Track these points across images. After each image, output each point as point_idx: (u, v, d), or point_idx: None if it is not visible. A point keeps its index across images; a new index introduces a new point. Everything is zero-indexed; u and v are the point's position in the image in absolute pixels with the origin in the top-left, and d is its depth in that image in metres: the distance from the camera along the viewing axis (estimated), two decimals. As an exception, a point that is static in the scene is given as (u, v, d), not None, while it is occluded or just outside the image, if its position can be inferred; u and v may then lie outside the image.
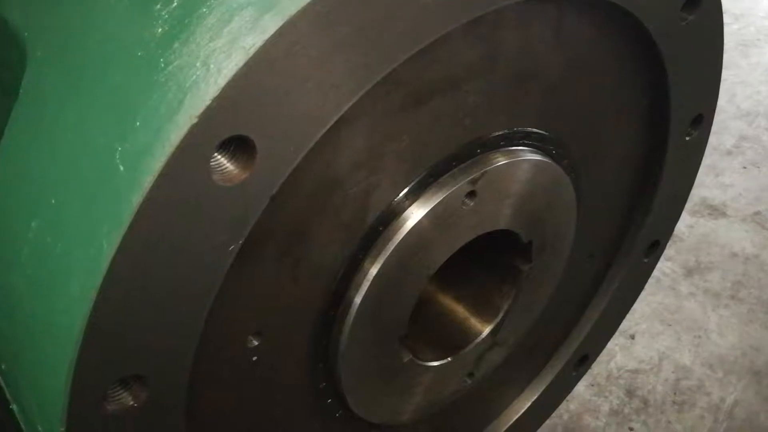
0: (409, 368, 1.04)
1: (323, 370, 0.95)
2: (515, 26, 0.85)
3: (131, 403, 0.74)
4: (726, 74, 3.55)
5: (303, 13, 0.64)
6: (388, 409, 1.06)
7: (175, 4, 0.69)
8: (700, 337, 2.28)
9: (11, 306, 0.74)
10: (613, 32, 0.98)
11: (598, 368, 2.17)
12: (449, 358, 1.10)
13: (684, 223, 2.60)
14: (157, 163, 0.63)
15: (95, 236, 0.66)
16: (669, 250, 2.49)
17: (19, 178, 0.75)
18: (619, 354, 2.24)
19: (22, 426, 0.81)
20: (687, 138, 1.19)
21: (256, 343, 0.85)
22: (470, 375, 1.16)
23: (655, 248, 1.35)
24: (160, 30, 0.68)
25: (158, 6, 0.70)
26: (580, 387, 2.12)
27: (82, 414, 0.70)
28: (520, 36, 0.87)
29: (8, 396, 0.83)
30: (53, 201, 0.71)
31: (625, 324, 2.37)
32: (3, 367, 0.81)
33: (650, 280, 2.40)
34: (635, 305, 2.40)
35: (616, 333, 2.28)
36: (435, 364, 1.08)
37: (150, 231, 0.64)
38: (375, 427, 1.09)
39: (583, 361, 1.42)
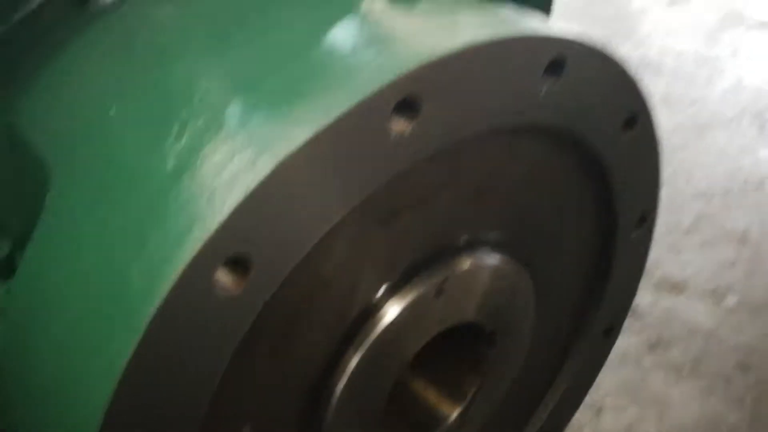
0: (384, 451, 1.14)
1: (306, 453, 1.05)
2: (474, 151, 0.99)
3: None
4: (684, 155, 3.75)
5: (294, 154, 0.76)
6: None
7: (183, 143, 0.82)
8: (663, 410, 2.39)
9: (31, 412, 0.84)
10: (562, 149, 1.12)
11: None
12: (422, 440, 1.20)
13: (646, 300, 2.74)
14: (168, 280, 0.74)
15: (110, 346, 0.76)
16: (633, 326, 2.62)
17: (42, 292, 0.85)
18: (586, 428, 2.33)
19: None
20: (633, 235, 1.33)
21: (247, 431, 0.95)
22: (440, 455, 1.26)
23: (611, 332, 1.47)
24: (171, 165, 0.81)
25: (169, 143, 0.83)
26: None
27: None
28: (478, 158, 1.01)
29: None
30: (75, 310, 0.82)
31: (592, 398, 2.47)
32: None
33: (616, 356, 2.52)
34: (602, 380, 2.52)
35: (584, 407, 2.39)
36: (407, 447, 1.18)
37: (161, 340, 0.75)
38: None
39: (548, 437, 1.52)
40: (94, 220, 0.84)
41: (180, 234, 0.76)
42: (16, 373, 0.88)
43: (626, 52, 4.38)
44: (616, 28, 4.75)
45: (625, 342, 2.56)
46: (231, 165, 0.77)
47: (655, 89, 4.01)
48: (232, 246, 0.76)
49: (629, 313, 1.52)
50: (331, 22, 0.89)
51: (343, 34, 0.87)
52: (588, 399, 2.33)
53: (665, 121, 3.70)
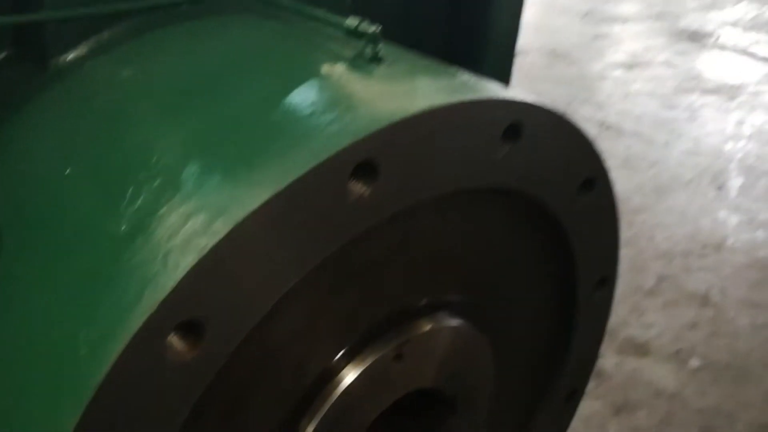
0: None
1: None
2: (431, 214, 0.99)
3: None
4: (644, 217, 3.80)
5: (249, 218, 0.76)
6: None
7: (138, 204, 0.81)
8: (630, 475, 2.37)
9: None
10: (519, 212, 1.13)
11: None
12: None
13: (611, 362, 2.74)
14: (117, 346, 0.72)
15: (56, 414, 0.73)
16: (598, 389, 2.61)
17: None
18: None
19: None
20: (593, 298, 1.33)
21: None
22: None
23: (574, 396, 1.46)
24: (124, 227, 0.80)
25: (123, 205, 0.81)
26: None
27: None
28: (435, 221, 1.01)
29: None
30: (19, 379, 0.79)
31: None
32: None
33: (580, 420, 2.51)
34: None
35: None
36: None
37: (108, 407, 0.73)
38: None
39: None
40: (44, 284, 0.82)
41: (132, 297, 0.74)
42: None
43: (586, 114, 4.50)
44: (577, 91, 4.88)
45: (590, 406, 2.55)
46: (186, 228, 0.76)
47: (615, 151, 4.11)
48: (186, 310, 0.75)
49: (594, 376, 1.51)
50: (290, 86, 0.89)
51: (301, 99, 0.88)
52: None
53: (626, 183, 3.79)
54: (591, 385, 1.54)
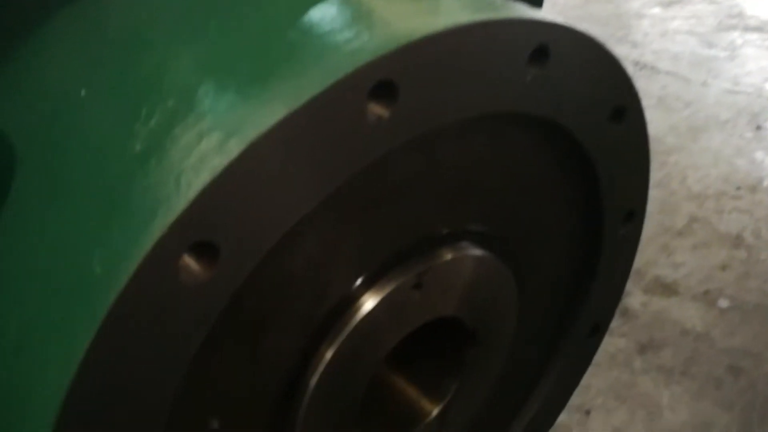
0: (362, 448, 1.11)
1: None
2: (454, 140, 0.96)
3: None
4: (678, 158, 3.72)
5: (263, 138, 0.74)
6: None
7: (152, 125, 0.79)
8: (653, 413, 2.36)
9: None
10: (547, 140, 1.09)
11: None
12: (399, 439, 1.17)
13: (638, 301, 2.71)
14: (130, 265, 0.71)
15: (72, 333, 0.73)
16: (623, 327, 2.59)
17: (4, 281, 0.82)
18: (574, 429, 2.30)
19: None
20: (620, 232, 1.30)
21: (216, 425, 0.92)
22: (421, 454, 1.23)
23: (597, 331, 1.44)
24: (138, 148, 0.78)
25: (137, 126, 0.80)
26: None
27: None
28: (458, 148, 0.98)
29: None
30: (33, 307, 0.79)
31: (581, 399, 2.45)
32: None
33: (605, 357, 2.50)
34: (592, 381, 2.49)
35: (572, 408, 2.37)
36: (386, 443, 1.15)
37: (122, 328, 0.73)
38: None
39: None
40: (58, 204, 0.81)
41: (145, 217, 0.73)
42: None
43: (622, 53, 4.37)
44: (613, 29, 4.73)
45: (616, 343, 2.53)
46: (199, 147, 0.75)
47: (650, 91, 4.00)
48: (199, 230, 0.73)
49: (620, 314, 1.49)
50: (306, 4, 0.86)
51: (318, 17, 0.84)
52: (577, 400, 2.31)
53: (660, 123, 3.70)
54: (617, 323, 1.52)
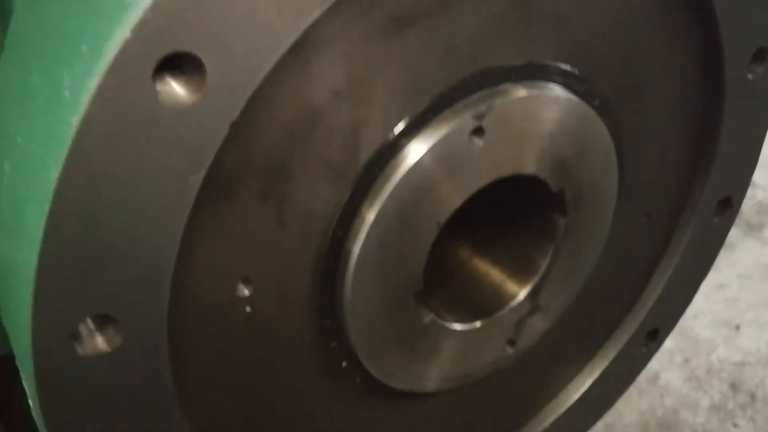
0: (432, 330, 0.97)
1: (331, 328, 0.90)
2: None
3: (105, 348, 0.71)
4: None
5: None
6: (413, 375, 0.99)
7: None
8: (815, 327, 2.06)
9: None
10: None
11: (697, 361, 2.00)
12: (479, 322, 1.02)
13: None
14: (93, 83, 0.61)
15: (46, 165, 0.64)
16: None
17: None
18: (721, 346, 2.05)
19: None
20: (748, 76, 1.06)
21: (247, 292, 0.81)
22: (511, 343, 1.07)
23: (728, 206, 1.21)
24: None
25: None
26: (677, 381, 1.96)
27: (51, 356, 0.69)
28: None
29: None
30: (19, 140, 0.71)
31: (729, 314, 2.17)
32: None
33: (758, 268, 2.19)
34: (741, 294, 2.20)
35: (719, 323, 2.10)
36: (463, 327, 1.00)
37: (95, 155, 0.62)
38: (405, 396, 1.03)
39: (653, 336, 1.29)
40: (37, 39, 0.72)
41: (108, 28, 0.61)
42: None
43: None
44: None
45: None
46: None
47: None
48: (171, 40, 0.61)
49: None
50: None
51: None
52: (724, 314, 2.04)
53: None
54: None
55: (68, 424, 0.72)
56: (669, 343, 2.08)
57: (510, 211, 1.05)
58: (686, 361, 1.99)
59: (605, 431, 1.80)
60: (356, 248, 0.84)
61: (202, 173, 0.68)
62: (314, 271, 0.85)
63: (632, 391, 1.93)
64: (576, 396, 1.26)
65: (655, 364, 2.01)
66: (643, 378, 1.97)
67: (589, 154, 0.98)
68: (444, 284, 1.06)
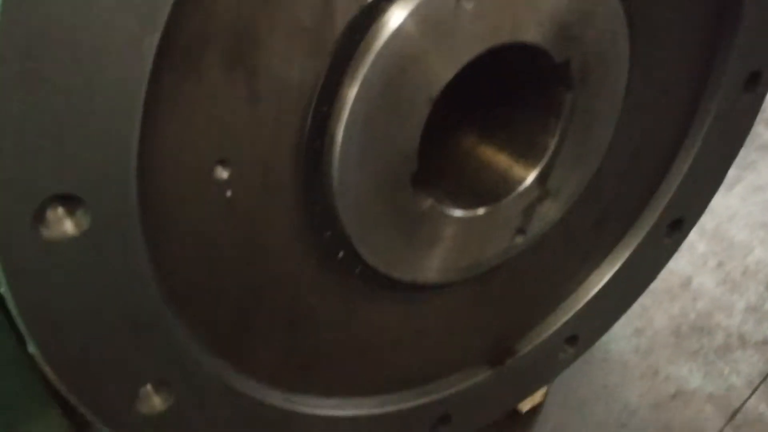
0: (432, 217, 0.92)
1: (323, 216, 0.85)
2: None
3: (73, 232, 0.68)
4: None
5: None
6: (415, 264, 0.95)
7: None
8: None
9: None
10: None
11: (732, 264, 1.92)
12: (483, 209, 0.96)
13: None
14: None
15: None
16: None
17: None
18: (757, 248, 1.96)
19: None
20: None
21: (225, 175, 0.77)
22: (520, 232, 1.02)
23: (756, 81, 1.12)
24: None
25: None
26: (709, 284, 1.89)
27: (16, 238, 0.66)
28: None
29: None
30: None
31: (766, 216, 2.07)
32: None
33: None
34: (779, 192, 2.10)
35: (755, 225, 2.01)
36: (466, 214, 0.95)
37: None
38: (409, 290, 0.99)
39: (677, 226, 1.22)
40: None
41: None
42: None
43: None
44: None
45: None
46: None
47: None
48: None
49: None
50: None
51: None
52: (762, 217, 1.95)
53: None
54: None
55: (40, 310, 0.69)
56: (702, 247, 2.01)
57: (514, 91, 0.99)
58: (720, 264, 1.92)
59: (635, 336, 1.75)
60: (340, 126, 0.79)
61: (157, 35, 0.63)
62: (297, 153, 0.80)
63: (663, 297, 1.87)
64: (595, 290, 1.20)
65: (687, 268, 1.94)
66: (674, 282, 1.90)
67: (594, 18, 0.90)
68: (448, 175, 1.01)
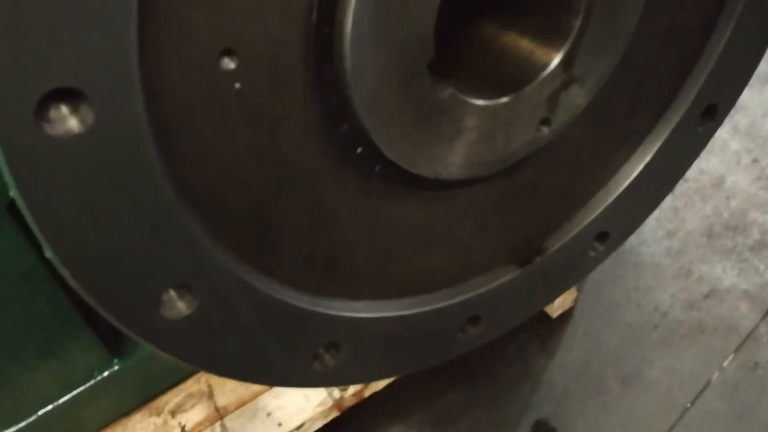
0: (452, 107, 0.88)
1: (338, 108, 0.82)
2: None
3: (77, 128, 0.65)
4: None
5: None
6: (436, 159, 0.91)
7: None
8: None
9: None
10: None
11: (767, 161, 1.86)
12: (506, 97, 0.92)
13: None
14: None
15: None
16: None
17: None
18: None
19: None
20: None
21: (232, 65, 0.73)
22: (545, 122, 0.97)
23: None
24: None
25: None
26: (743, 182, 1.83)
27: (21, 138, 0.63)
28: None
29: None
30: None
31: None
32: None
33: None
34: (814, 83, 2.02)
35: (790, 119, 1.94)
36: (488, 103, 0.91)
37: None
38: (433, 186, 0.96)
39: (710, 113, 1.17)
40: None
41: None
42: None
43: None
44: None
45: None
46: None
47: None
48: None
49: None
50: None
51: None
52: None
53: None
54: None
55: (52, 211, 0.67)
56: (735, 144, 1.94)
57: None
58: (755, 161, 1.86)
59: (666, 238, 1.71)
60: (349, 9, 0.74)
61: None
62: (306, 39, 0.76)
63: (695, 197, 1.82)
64: (626, 184, 1.16)
65: (719, 167, 1.88)
66: (706, 183, 1.85)
67: None
68: (468, 65, 0.97)
